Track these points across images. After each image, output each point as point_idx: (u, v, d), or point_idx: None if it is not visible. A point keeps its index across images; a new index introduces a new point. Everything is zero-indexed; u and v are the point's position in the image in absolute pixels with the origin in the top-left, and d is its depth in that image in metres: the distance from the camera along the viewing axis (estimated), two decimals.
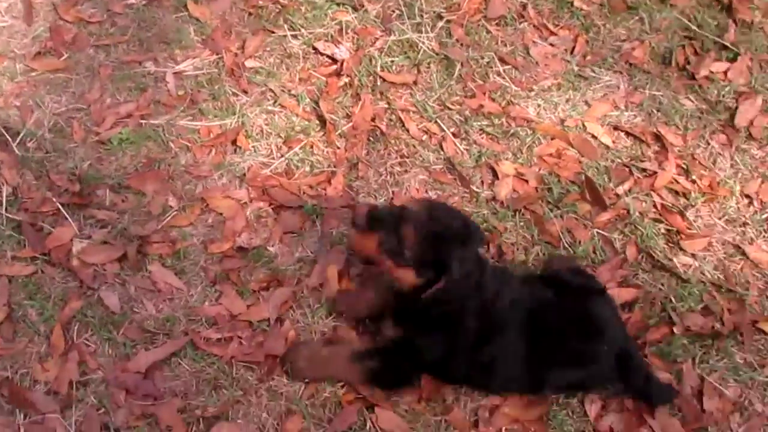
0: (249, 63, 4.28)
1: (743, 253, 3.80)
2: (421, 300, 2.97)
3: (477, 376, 3.21)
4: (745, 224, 3.91)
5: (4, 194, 3.65)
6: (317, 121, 4.10)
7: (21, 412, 3.11)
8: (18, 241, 3.54)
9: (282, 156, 3.95)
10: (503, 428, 3.22)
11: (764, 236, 3.87)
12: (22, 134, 3.88)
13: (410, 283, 3.00)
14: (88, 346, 3.31)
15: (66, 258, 3.51)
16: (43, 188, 3.71)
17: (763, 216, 3.94)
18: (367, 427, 3.16)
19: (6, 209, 3.62)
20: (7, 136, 3.86)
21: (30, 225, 3.58)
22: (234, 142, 3.97)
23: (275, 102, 4.15)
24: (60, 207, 3.63)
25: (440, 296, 2.94)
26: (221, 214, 3.73)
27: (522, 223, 3.79)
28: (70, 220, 3.61)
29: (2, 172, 3.73)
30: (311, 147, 3.99)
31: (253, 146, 3.98)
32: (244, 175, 3.87)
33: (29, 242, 3.53)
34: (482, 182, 3.95)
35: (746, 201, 4.00)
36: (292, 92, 4.19)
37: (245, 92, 4.18)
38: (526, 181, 3.95)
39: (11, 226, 3.58)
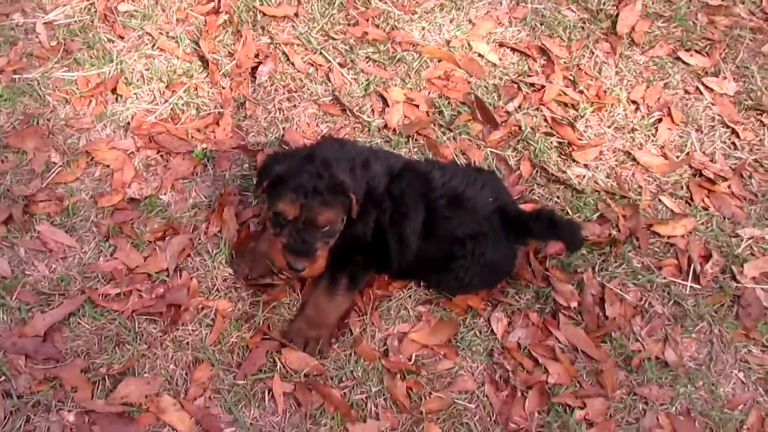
0: (122, 7, 4.14)
1: (634, 159, 3.87)
2: None
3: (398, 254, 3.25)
4: (633, 130, 3.97)
5: None
6: (199, 62, 4.00)
7: None
8: None
9: (166, 101, 3.84)
10: (413, 355, 3.24)
11: (653, 140, 3.94)
12: None
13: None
14: None
15: None
16: None
17: (650, 120, 4.00)
18: (278, 368, 3.14)
19: None
20: None
21: None
22: (114, 91, 3.85)
23: (154, 45, 4.02)
24: None
25: None
26: (108, 166, 3.62)
27: (416, 149, 3.78)
28: None
29: None
30: (195, 89, 3.89)
31: (135, 93, 3.86)
32: (129, 123, 3.76)
33: None
34: (373, 111, 3.91)
35: (633, 107, 4.05)
36: (171, 34, 4.07)
37: (121, 38, 4.04)
38: (417, 106, 3.93)
39: None
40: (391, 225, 3.16)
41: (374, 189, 3.10)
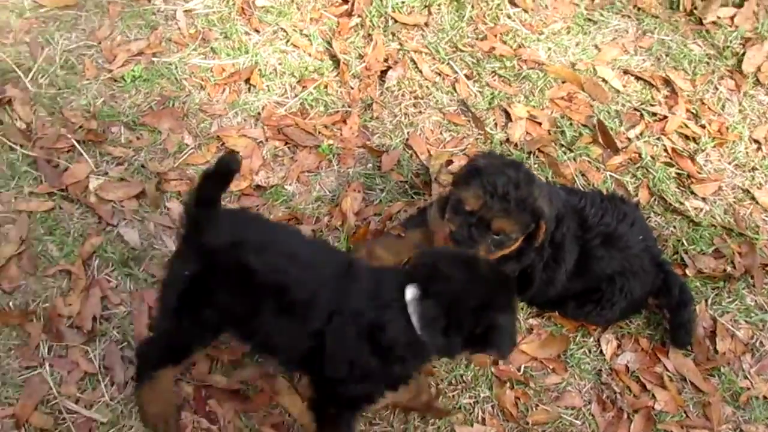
0: (259, 2, 4.24)
1: (752, 198, 3.87)
2: None
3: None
4: (754, 169, 3.97)
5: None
6: (330, 61, 4.09)
7: (45, 346, 3.11)
8: (34, 177, 3.52)
9: (296, 95, 3.94)
10: (522, 366, 3.28)
11: None
12: (33, 71, 3.84)
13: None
14: (109, 282, 3.30)
15: (83, 194, 3.50)
16: (57, 125, 3.68)
17: None
18: None
19: (21, 145, 3.58)
20: (19, 72, 3.82)
21: (46, 161, 3.56)
22: (248, 81, 3.96)
23: (287, 41, 4.13)
24: (75, 143, 3.61)
25: None
26: (238, 152, 3.71)
27: (536, 165, 3.82)
28: (86, 156, 3.59)
29: (15, 108, 3.68)
30: (325, 87, 3.99)
31: (267, 85, 3.97)
32: (259, 114, 3.86)
33: (46, 178, 3.52)
34: (495, 124, 3.97)
35: (755, 146, 4.06)
36: (304, 32, 4.17)
37: (257, 31, 4.15)
38: (539, 124, 3.98)
39: (27, 162, 3.55)
40: (544, 269, 3.18)
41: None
